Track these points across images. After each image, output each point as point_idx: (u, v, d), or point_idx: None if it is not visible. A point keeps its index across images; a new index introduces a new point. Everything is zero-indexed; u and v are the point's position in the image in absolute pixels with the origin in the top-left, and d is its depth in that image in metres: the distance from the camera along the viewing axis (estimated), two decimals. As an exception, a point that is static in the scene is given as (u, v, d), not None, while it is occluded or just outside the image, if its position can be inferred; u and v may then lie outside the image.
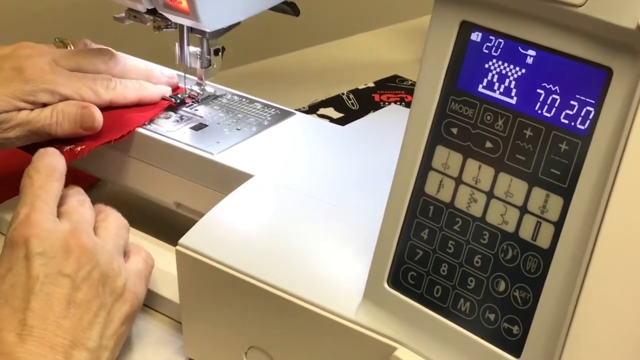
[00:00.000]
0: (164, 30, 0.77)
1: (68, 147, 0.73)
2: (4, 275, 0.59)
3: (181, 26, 0.77)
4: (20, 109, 0.72)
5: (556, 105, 0.44)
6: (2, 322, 0.56)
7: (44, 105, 0.73)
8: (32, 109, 0.72)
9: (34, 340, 0.55)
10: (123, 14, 0.78)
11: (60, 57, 0.75)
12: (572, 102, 0.43)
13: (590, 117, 0.42)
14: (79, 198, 0.67)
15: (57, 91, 0.73)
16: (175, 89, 0.81)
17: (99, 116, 0.73)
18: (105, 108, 0.75)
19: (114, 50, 0.79)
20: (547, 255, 0.44)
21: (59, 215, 0.63)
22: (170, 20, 0.75)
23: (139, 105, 0.77)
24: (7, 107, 0.71)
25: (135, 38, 0.96)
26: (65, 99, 0.74)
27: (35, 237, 0.59)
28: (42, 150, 0.68)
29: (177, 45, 0.78)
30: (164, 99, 0.79)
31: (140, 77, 0.79)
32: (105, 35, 0.95)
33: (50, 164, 0.66)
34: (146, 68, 0.80)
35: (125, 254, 0.67)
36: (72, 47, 0.80)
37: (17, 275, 0.58)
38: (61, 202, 0.65)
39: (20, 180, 0.65)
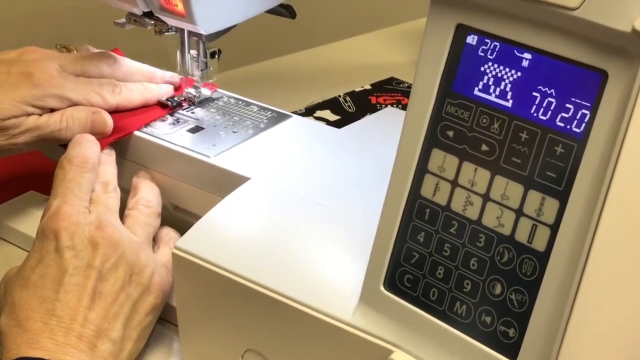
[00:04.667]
0: (165, 34, 0.77)
1: None
2: (34, 267, 0.60)
3: (182, 30, 0.76)
4: (29, 114, 0.72)
5: (552, 108, 0.44)
6: (29, 312, 0.58)
7: (52, 110, 0.73)
8: (40, 114, 0.72)
9: (60, 330, 0.57)
10: (124, 19, 0.78)
11: (66, 61, 0.75)
12: (567, 105, 0.43)
13: (586, 120, 0.42)
14: (103, 180, 0.68)
15: (65, 96, 0.73)
16: (177, 89, 0.81)
17: (109, 121, 0.74)
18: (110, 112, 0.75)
19: (116, 55, 0.79)
20: (543, 258, 0.44)
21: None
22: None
23: (144, 107, 0.78)
24: (16, 112, 0.71)
25: (132, 41, 0.96)
26: (73, 104, 0.74)
27: (65, 230, 0.61)
28: (77, 138, 0.70)
29: (178, 52, 0.78)
30: (160, 103, 0.78)
31: (144, 79, 0.79)
32: (102, 38, 0.95)
33: (83, 155, 0.67)
34: (149, 70, 0.80)
35: (155, 242, 0.68)
36: (76, 52, 0.80)
37: (47, 266, 0.60)
38: None
39: (16, 185, 0.65)
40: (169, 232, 0.70)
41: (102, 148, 0.73)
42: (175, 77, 0.81)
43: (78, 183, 0.65)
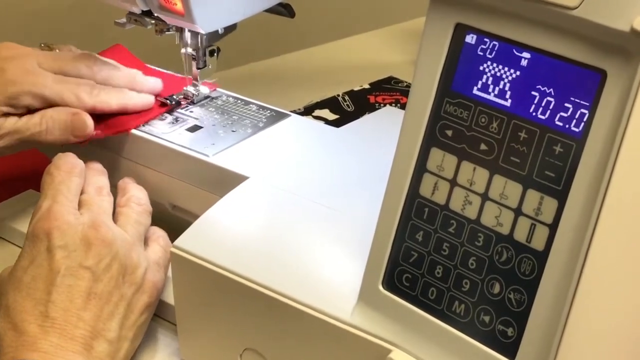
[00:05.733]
0: (166, 33, 0.77)
1: None
2: (26, 268, 0.60)
3: (182, 29, 0.76)
4: (4, 114, 0.71)
5: (551, 107, 0.44)
6: (24, 314, 0.58)
7: (27, 108, 0.72)
8: (17, 114, 0.71)
9: (55, 331, 0.57)
10: (124, 19, 0.77)
11: (44, 59, 0.74)
12: (566, 105, 0.43)
13: (585, 119, 0.42)
14: (97, 185, 0.68)
15: (39, 94, 0.71)
16: (178, 87, 0.81)
17: (90, 123, 0.72)
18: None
19: (98, 56, 0.78)
20: (541, 257, 0.44)
21: (78, 204, 0.65)
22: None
23: (124, 113, 0.75)
24: None
25: (131, 40, 0.96)
26: (48, 102, 0.72)
27: (57, 230, 0.60)
28: (60, 154, 0.69)
29: (183, 52, 0.78)
30: (161, 104, 0.78)
31: (124, 83, 0.77)
32: (102, 37, 0.95)
33: (71, 162, 0.67)
34: (129, 74, 0.78)
35: (145, 240, 0.68)
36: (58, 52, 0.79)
37: (39, 267, 0.59)
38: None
39: (14, 184, 0.65)
40: (155, 231, 0.70)
41: (100, 137, 0.73)
42: (158, 83, 0.79)
43: (67, 186, 0.65)
